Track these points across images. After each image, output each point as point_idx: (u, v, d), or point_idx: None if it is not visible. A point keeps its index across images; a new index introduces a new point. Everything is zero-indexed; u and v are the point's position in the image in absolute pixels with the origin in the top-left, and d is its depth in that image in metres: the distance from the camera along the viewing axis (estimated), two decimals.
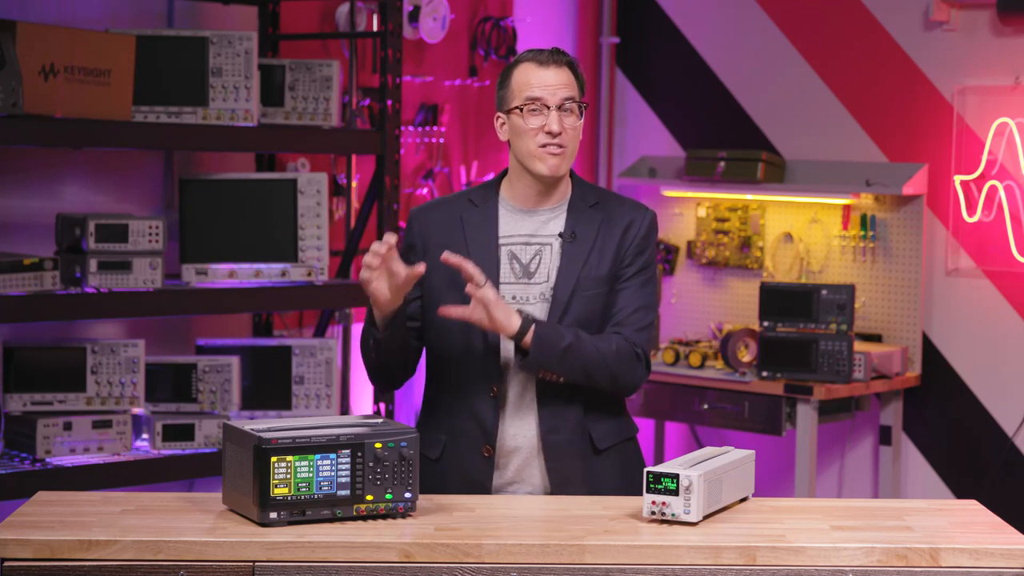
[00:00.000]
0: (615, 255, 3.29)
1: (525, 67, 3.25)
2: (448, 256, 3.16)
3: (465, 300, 3.22)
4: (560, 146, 3.22)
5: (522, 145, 3.25)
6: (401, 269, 3.14)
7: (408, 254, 3.35)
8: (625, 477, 3.34)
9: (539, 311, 3.26)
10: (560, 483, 3.27)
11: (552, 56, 3.25)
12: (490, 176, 6.25)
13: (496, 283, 3.26)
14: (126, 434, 4.61)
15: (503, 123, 3.29)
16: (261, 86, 4.99)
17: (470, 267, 3.15)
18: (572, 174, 3.35)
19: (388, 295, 3.16)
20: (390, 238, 3.11)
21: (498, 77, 3.33)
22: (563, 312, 3.25)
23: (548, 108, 3.21)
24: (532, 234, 3.30)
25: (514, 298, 3.27)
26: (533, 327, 3.17)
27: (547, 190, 3.29)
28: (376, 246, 3.11)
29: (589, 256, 3.27)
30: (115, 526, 2.83)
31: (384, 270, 3.14)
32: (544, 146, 3.22)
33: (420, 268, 3.15)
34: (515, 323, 3.16)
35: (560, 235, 3.28)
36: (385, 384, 3.44)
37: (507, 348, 3.26)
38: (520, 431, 3.27)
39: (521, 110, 3.23)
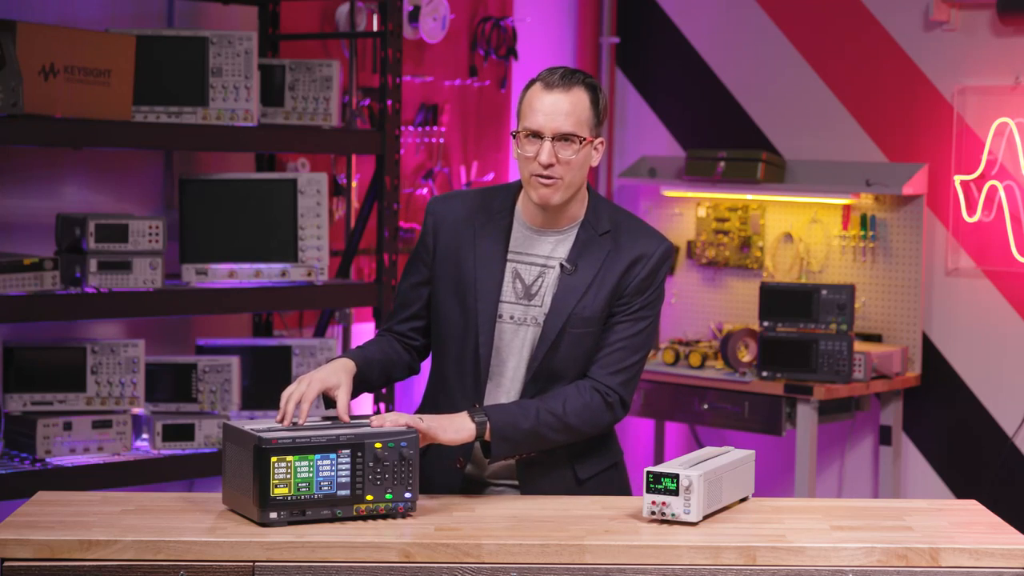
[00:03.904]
0: (613, 290, 3.20)
1: (533, 89, 3.14)
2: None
3: (462, 303, 3.21)
4: (550, 178, 3.11)
5: (520, 169, 3.16)
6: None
7: (421, 250, 3.30)
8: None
9: (531, 335, 3.21)
10: None
11: (562, 79, 3.12)
12: (490, 176, 6.26)
13: (496, 299, 3.21)
14: (126, 434, 4.61)
15: (516, 142, 3.19)
16: (261, 86, 4.99)
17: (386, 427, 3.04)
18: (591, 192, 3.25)
19: (339, 384, 3.13)
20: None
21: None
22: (550, 348, 3.18)
23: (543, 138, 3.11)
24: (538, 254, 3.23)
25: (512, 318, 3.21)
26: (488, 426, 3.10)
27: (552, 214, 3.20)
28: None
29: (586, 292, 3.19)
30: (115, 526, 2.83)
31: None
32: (535, 175, 3.13)
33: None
34: (468, 432, 3.10)
35: (562, 265, 3.20)
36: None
37: (496, 364, 3.22)
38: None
39: (518, 136, 3.15)
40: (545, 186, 3.12)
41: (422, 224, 3.32)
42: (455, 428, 3.09)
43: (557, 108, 3.10)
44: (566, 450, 3.24)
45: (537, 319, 3.20)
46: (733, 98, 6.40)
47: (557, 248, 3.22)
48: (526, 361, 3.21)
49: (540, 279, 3.22)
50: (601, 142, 3.19)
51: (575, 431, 3.18)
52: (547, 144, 3.09)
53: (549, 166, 3.10)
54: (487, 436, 3.11)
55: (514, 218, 3.24)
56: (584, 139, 3.12)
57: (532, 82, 3.16)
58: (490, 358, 3.21)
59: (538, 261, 3.22)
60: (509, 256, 3.23)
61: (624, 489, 3.34)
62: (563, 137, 3.10)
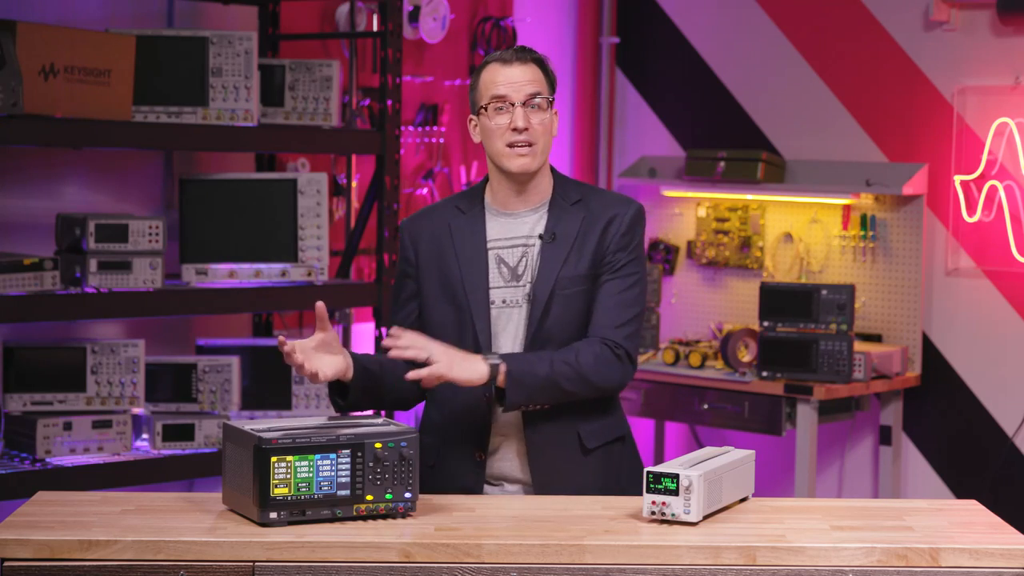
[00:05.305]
0: (596, 250, 3.27)
1: (490, 68, 3.25)
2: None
3: (453, 302, 3.26)
4: (528, 143, 3.21)
5: (491, 145, 3.25)
6: (322, 335, 3.09)
7: (404, 266, 3.36)
8: (614, 476, 3.32)
9: (525, 312, 3.26)
10: (543, 482, 3.26)
11: (516, 54, 3.25)
12: None
13: (486, 287, 3.26)
14: (126, 434, 4.61)
15: (475, 125, 3.29)
16: (261, 86, 4.99)
17: (411, 350, 3.11)
18: (553, 171, 3.35)
19: (340, 366, 3.12)
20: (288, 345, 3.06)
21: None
22: (543, 312, 3.24)
23: (513, 105, 3.21)
24: (517, 236, 3.30)
25: (504, 301, 3.27)
26: (504, 370, 3.14)
27: (523, 188, 3.28)
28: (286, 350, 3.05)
29: (569, 255, 3.26)
30: (115, 526, 2.83)
31: (310, 354, 3.08)
32: (511, 145, 3.21)
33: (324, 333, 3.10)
34: (481, 373, 3.13)
35: (540, 236, 3.28)
36: (398, 408, 3.45)
37: (494, 348, 3.25)
38: (505, 429, 3.28)
39: (487, 109, 3.23)
40: (522, 155, 3.22)
41: (400, 246, 3.38)
42: (468, 367, 3.13)
43: (521, 78, 3.23)
44: (572, 418, 3.27)
45: (530, 296, 3.26)
46: (733, 98, 6.40)
47: (535, 227, 3.30)
48: (522, 335, 3.25)
49: (524, 258, 3.28)
50: (556, 112, 3.29)
51: (589, 383, 3.21)
52: (519, 109, 3.21)
53: (525, 129, 3.20)
54: (501, 381, 3.13)
55: (485, 210, 3.32)
56: (551, 100, 3.24)
57: (485, 64, 3.28)
58: (490, 345, 3.25)
59: (518, 242, 3.30)
60: (489, 245, 3.30)
61: (636, 463, 3.36)
62: (532, 99, 3.21)
